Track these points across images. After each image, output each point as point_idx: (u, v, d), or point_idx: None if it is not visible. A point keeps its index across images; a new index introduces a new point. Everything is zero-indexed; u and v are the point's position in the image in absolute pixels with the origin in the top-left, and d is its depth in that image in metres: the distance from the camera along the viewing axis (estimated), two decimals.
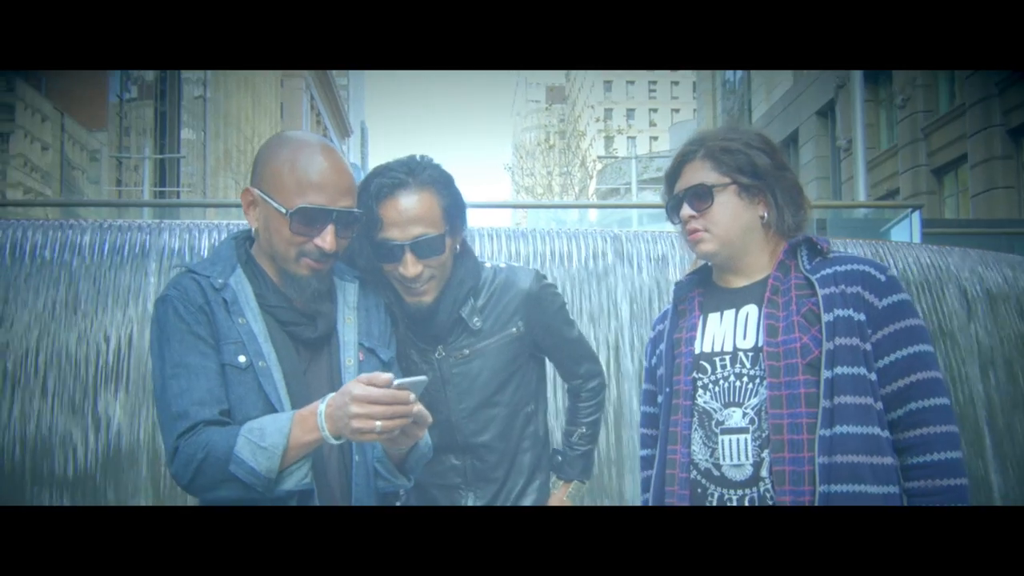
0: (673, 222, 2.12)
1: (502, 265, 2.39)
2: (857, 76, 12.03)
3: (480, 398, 2.27)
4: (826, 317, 1.90)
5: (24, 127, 27.33)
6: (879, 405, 1.89)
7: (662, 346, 2.13)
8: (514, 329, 2.29)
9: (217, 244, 1.99)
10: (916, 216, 6.59)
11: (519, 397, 2.33)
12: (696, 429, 2.01)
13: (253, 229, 1.94)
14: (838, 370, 1.87)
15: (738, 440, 1.94)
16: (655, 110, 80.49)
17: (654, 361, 2.19)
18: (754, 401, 1.94)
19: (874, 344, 1.92)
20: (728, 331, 2.03)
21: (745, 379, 1.97)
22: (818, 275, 1.96)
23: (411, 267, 2.10)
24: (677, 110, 76.18)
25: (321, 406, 1.69)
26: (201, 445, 1.72)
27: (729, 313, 2.04)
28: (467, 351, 2.26)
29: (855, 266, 1.97)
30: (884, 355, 1.92)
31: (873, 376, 1.90)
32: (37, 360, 3.67)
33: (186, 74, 38.71)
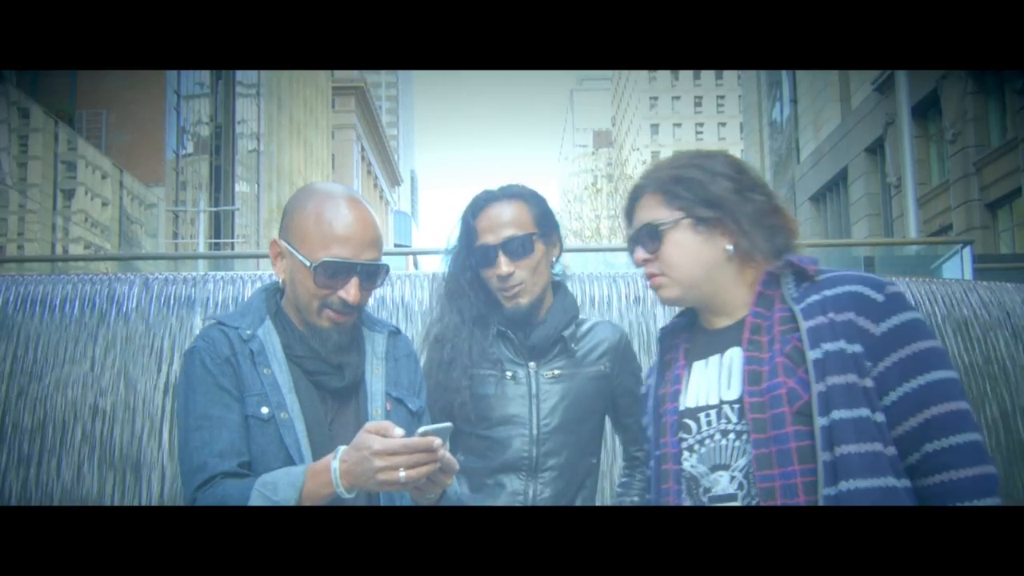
0: (636, 265, 1.87)
1: (592, 317, 2.59)
2: (905, 112, 11.93)
3: (562, 420, 2.33)
4: (813, 354, 1.59)
5: (85, 184, 28.08)
6: (891, 450, 1.58)
7: (649, 403, 1.88)
8: (602, 367, 2.38)
9: (248, 296, 2.02)
10: (967, 251, 6.46)
11: (589, 439, 2.39)
12: (685, 498, 1.73)
13: (280, 280, 1.95)
14: (836, 415, 1.56)
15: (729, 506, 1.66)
16: None
17: (645, 420, 1.92)
18: (742, 461, 1.65)
19: (876, 379, 1.60)
20: (713, 380, 1.74)
21: (732, 436, 1.68)
22: (804, 303, 1.66)
23: (504, 266, 2.27)
24: (725, 151, 75.86)
25: (334, 462, 1.65)
26: (217, 497, 1.72)
27: (714, 359, 1.76)
28: (558, 371, 2.35)
29: (846, 287, 1.65)
30: (890, 390, 1.60)
31: (879, 417, 1.58)
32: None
33: (240, 129, 39.55)
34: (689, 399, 1.76)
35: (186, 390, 1.86)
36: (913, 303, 1.72)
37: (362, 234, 1.88)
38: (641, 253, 1.80)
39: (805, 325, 1.62)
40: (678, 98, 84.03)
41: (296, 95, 49.76)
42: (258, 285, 3.89)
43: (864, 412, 1.57)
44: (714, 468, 1.69)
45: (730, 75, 74.53)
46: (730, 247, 1.75)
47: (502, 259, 2.28)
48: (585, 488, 2.38)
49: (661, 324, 3.97)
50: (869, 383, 1.59)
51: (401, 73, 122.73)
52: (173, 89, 32.72)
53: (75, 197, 27.77)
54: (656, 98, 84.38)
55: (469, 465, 2.33)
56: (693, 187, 1.76)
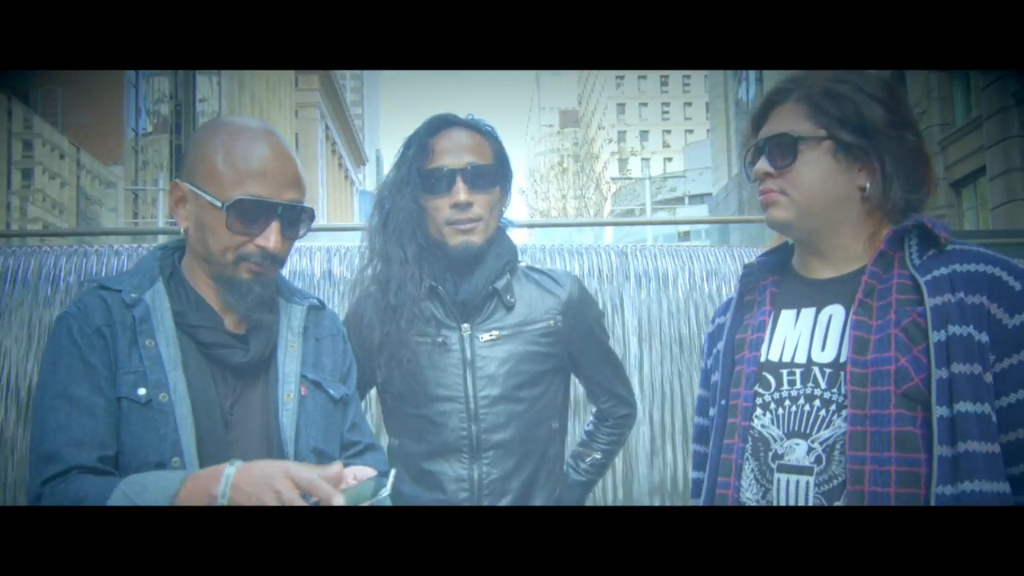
0: (749, 178, 1.64)
1: (537, 265, 2.28)
2: None
3: (504, 389, 2.04)
4: (936, 336, 1.41)
5: (43, 163, 27.59)
6: (1000, 455, 1.39)
7: (720, 345, 1.67)
8: (552, 322, 2.10)
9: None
10: None
11: (545, 404, 2.10)
12: (748, 459, 1.56)
13: (183, 231, 1.64)
14: (960, 407, 1.38)
15: (798, 482, 1.49)
16: (668, 131, 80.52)
17: (709, 363, 1.73)
18: (825, 433, 1.48)
19: (997, 375, 1.41)
20: (804, 336, 1.55)
21: (817, 403, 1.50)
22: (929, 275, 1.46)
23: (462, 194, 2.00)
24: (691, 131, 76.27)
25: (230, 470, 1.36)
26: (69, 496, 1.41)
27: (807, 313, 1.57)
28: (496, 332, 2.06)
29: (981, 266, 1.45)
30: (1010, 391, 1.42)
31: (994, 417, 1.40)
32: None
33: (201, 107, 39.00)
34: (772, 352, 1.58)
35: (47, 363, 1.55)
36: None
37: (282, 170, 1.60)
38: (765, 165, 1.57)
39: (930, 301, 1.43)
40: (644, 77, 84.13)
41: (258, 74, 49.18)
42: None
43: (987, 408, 1.39)
44: (791, 434, 1.51)
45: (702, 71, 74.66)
46: (867, 185, 1.54)
47: (461, 185, 2.00)
48: (548, 461, 2.10)
49: (629, 302, 3.97)
50: (989, 378, 1.41)
51: None
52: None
53: (33, 176, 27.30)
54: (622, 77, 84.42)
55: (407, 450, 2.08)
56: (845, 107, 1.54)
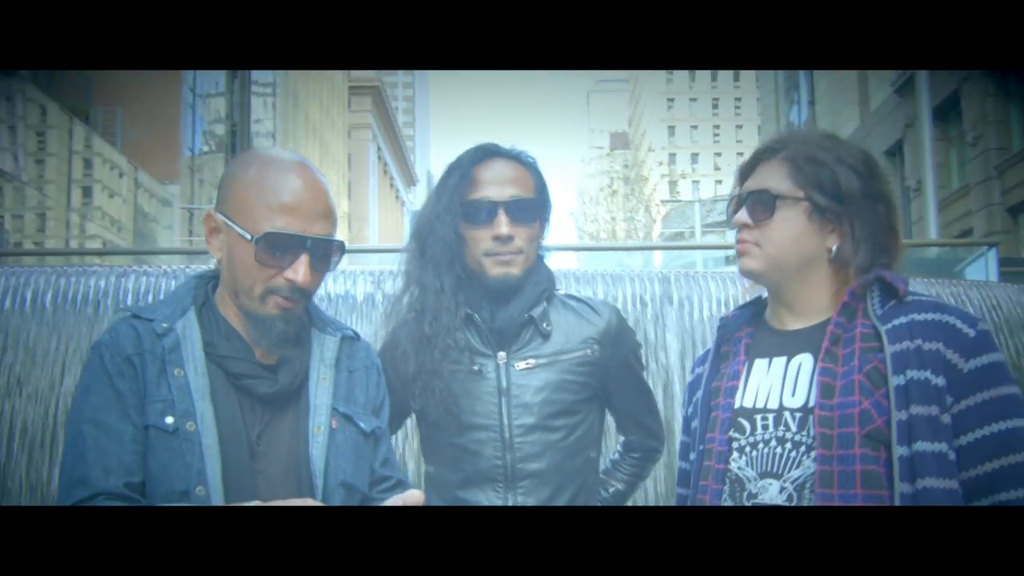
0: (729, 226, 1.76)
1: (576, 293, 2.26)
2: (925, 114, 11.78)
3: (539, 418, 2.01)
4: (895, 380, 1.51)
5: (102, 181, 28.21)
6: (959, 491, 1.48)
7: (699, 394, 1.77)
8: (588, 351, 2.07)
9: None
10: (992, 254, 6.33)
11: (582, 433, 2.07)
12: (726, 499, 1.64)
13: (215, 261, 1.66)
14: (918, 447, 1.47)
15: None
16: (719, 154, 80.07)
17: (689, 411, 1.84)
18: (796, 473, 1.57)
19: (955, 416, 1.51)
20: (776, 384, 1.65)
21: (788, 445, 1.59)
22: (889, 324, 1.57)
23: (504, 226, 1.98)
24: (741, 153, 75.42)
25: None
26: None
27: (778, 362, 1.66)
28: (532, 361, 2.03)
29: (937, 315, 1.56)
30: (968, 431, 1.51)
31: (952, 456, 1.49)
32: None
33: (256, 128, 39.63)
34: (747, 398, 1.67)
35: (80, 389, 1.57)
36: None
37: (312, 203, 1.59)
38: (744, 217, 1.67)
39: (890, 348, 1.54)
40: (695, 100, 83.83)
41: (312, 95, 49.87)
42: None
43: (944, 447, 1.49)
44: (764, 475, 1.61)
45: (747, 77, 74.38)
46: (834, 248, 1.66)
47: (503, 218, 1.98)
48: (585, 490, 2.07)
49: (667, 330, 3.94)
50: (947, 419, 1.51)
51: (417, 73, 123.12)
52: (189, 87, 32.84)
53: (93, 194, 27.91)
54: (673, 100, 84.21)
55: (442, 477, 2.06)
56: (824, 173, 1.65)
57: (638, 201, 38.93)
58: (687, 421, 1.86)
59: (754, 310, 1.80)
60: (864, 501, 1.48)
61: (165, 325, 1.59)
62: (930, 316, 1.57)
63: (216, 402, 1.55)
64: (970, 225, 17.38)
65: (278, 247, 1.56)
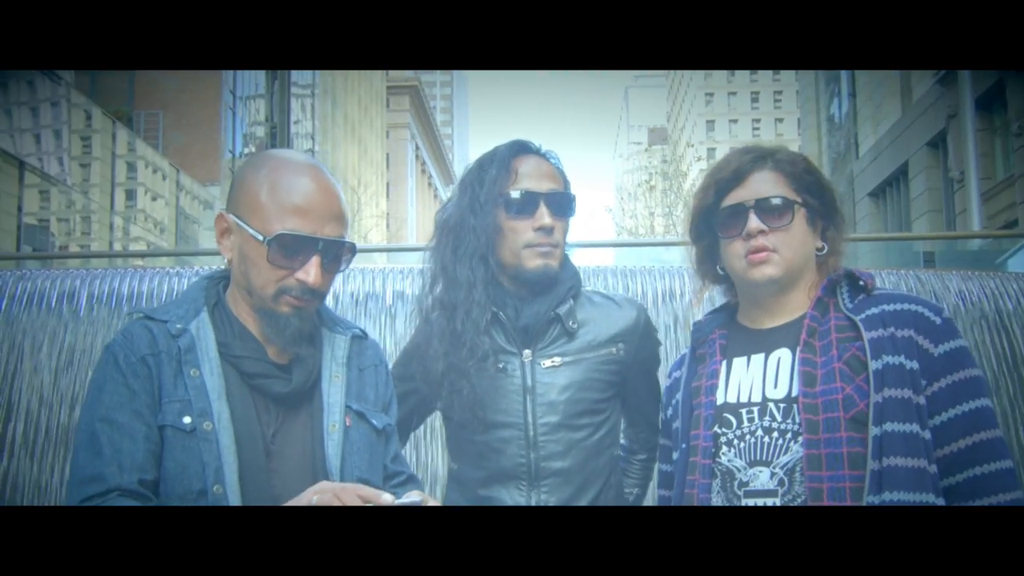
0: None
1: (602, 290, 2.27)
2: (968, 105, 11.61)
3: (564, 416, 2.01)
4: (874, 365, 1.62)
5: (145, 184, 28.60)
6: (933, 469, 1.60)
7: (678, 395, 1.87)
8: (614, 350, 2.08)
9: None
10: None
11: (606, 432, 2.08)
12: (717, 492, 1.72)
13: (227, 262, 1.68)
14: (888, 427, 1.59)
15: (764, 505, 1.65)
16: None
17: (669, 413, 1.92)
18: (784, 459, 1.67)
19: (929, 398, 1.64)
20: (756, 378, 1.74)
21: (775, 434, 1.68)
22: (863, 315, 1.70)
23: (548, 218, 2.01)
24: (781, 145, 74.89)
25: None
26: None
27: (757, 358, 1.76)
28: (558, 359, 2.04)
29: (906, 305, 1.70)
30: (941, 411, 1.64)
31: (927, 435, 1.61)
32: None
33: (295, 129, 39.97)
34: (729, 394, 1.77)
35: (93, 389, 1.58)
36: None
37: (325, 205, 1.62)
38: (758, 224, 1.74)
39: (867, 335, 1.65)
40: (734, 94, 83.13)
41: (351, 94, 50.18)
42: None
43: (915, 428, 1.60)
44: (753, 463, 1.70)
45: (787, 71, 73.58)
46: (823, 247, 1.80)
47: (545, 209, 2.01)
48: (610, 488, 2.07)
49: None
50: (921, 400, 1.63)
51: (455, 72, 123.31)
52: (229, 90, 33.17)
53: (136, 197, 28.30)
54: (712, 94, 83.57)
55: (465, 475, 2.07)
56: (810, 180, 1.79)
57: (676, 196, 38.65)
58: (666, 424, 1.95)
59: (726, 313, 1.91)
60: (851, 481, 1.58)
61: (179, 326, 1.61)
62: (899, 306, 1.70)
63: (232, 402, 1.58)
64: (1015, 216, 17.06)
65: (290, 248, 1.59)
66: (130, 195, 28.12)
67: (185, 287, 3.76)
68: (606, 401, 2.09)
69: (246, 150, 36.29)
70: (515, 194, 2.03)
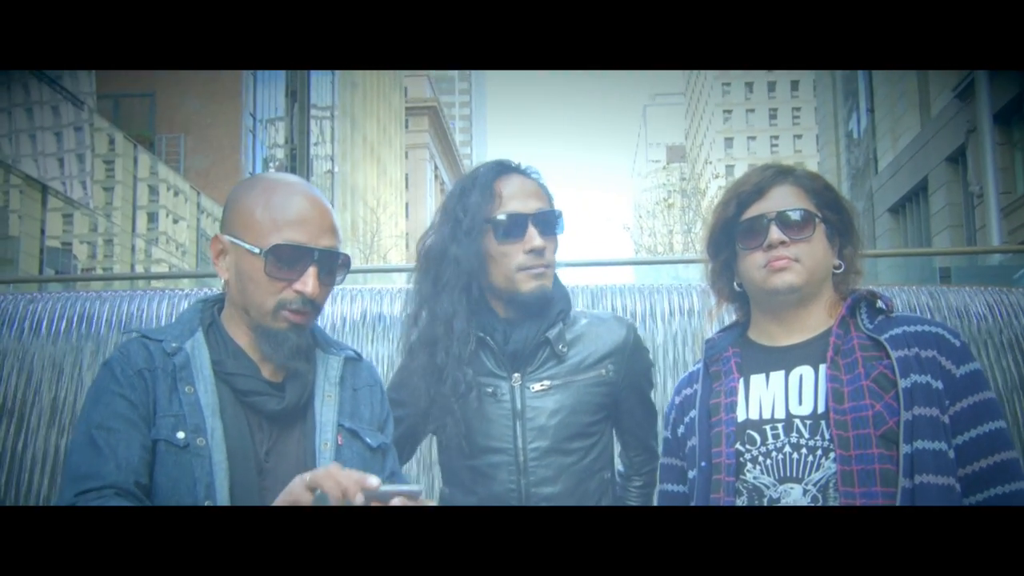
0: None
1: (591, 310, 2.23)
2: (986, 118, 11.56)
3: (554, 441, 1.99)
4: (903, 383, 1.65)
5: (167, 207, 28.85)
6: (958, 486, 1.62)
7: (693, 413, 1.84)
8: (603, 371, 2.06)
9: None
10: None
11: (596, 455, 2.05)
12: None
13: (223, 283, 1.69)
14: (918, 444, 1.61)
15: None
16: None
17: (681, 431, 1.89)
18: (817, 476, 1.66)
19: (952, 417, 1.66)
20: (778, 395, 1.74)
21: (804, 450, 1.68)
22: (887, 335, 1.72)
23: (538, 239, 1.98)
24: (801, 164, 74.60)
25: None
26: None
27: (777, 375, 1.76)
28: (548, 382, 2.01)
29: (927, 327, 1.74)
30: (963, 431, 1.66)
31: (952, 453, 1.63)
32: None
33: (315, 150, 40.25)
34: (751, 411, 1.76)
35: (89, 401, 1.60)
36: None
37: (319, 218, 1.64)
38: (780, 235, 1.76)
39: (895, 354, 1.68)
40: (753, 111, 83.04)
41: (370, 115, 50.47)
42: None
43: (943, 446, 1.62)
44: (783, 480, 1.69)
45: (806, 86, 73.43)
46: (840, 264, 1.83)
47: (533, 231, 1.98)
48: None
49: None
50: (946, 420, 1.65)
51: (474, 92, 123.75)
52: (249, 112, 33.47)
53: (158, 219, 28.54)
54: (730, 111, 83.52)
55: (456, 500, 2.04)
56: (829, 196, 1.83)
57: (695, 214, 38.59)
58: (676, 442, 1.91)
59: (738, 331, 1.91)
60: (883, 499, 1.59)
61: (175, 344, 1.63)
62: (920, 328, 1.74)
63: (225, 419, 1.59)
64: None
65: (286, 260, 1.61)
66: (152, 217, 28.35)
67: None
68: (597, 424, 2.06)
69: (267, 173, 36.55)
70: (502, 217, 1.99)
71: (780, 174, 1.84)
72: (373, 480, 1.32)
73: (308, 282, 1.62)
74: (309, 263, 1.62)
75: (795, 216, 1.78)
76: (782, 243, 1.76)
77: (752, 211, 1.81)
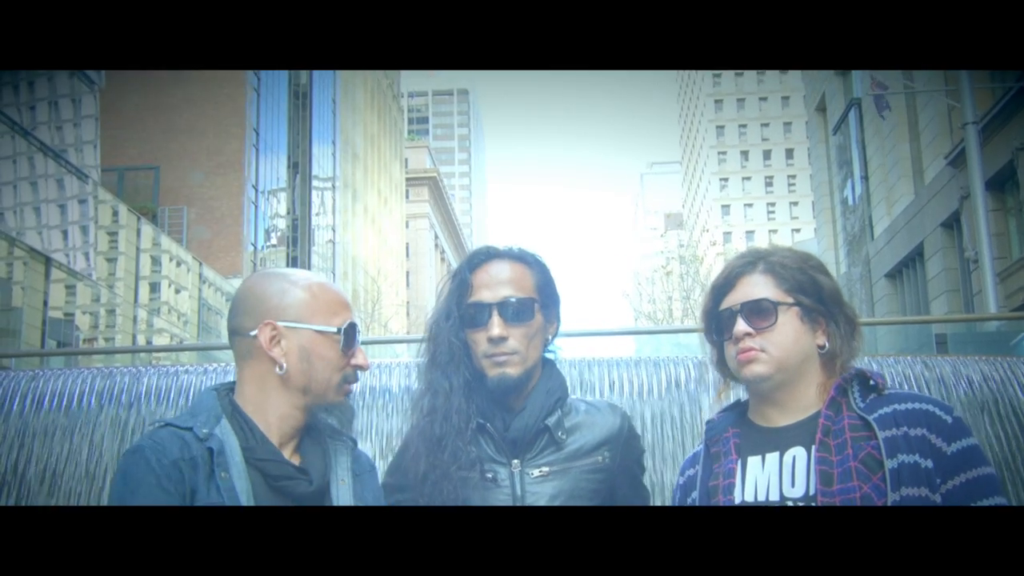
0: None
1: (587, 398, 2.30)
2: (978, 185, 11.73)
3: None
4: (890, 464, 1.65)
5: (169, 277, 29.01)
6: None
7: (694, 494, 1.87)
8: (600, 459, 2.09)
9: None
10: None
11: None
12: None
13: (279, 365, 1.75)
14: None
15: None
16: (775, 231, 79.60)
17: None
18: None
19: (944, 496, 1.65)
20: (773, 477, 1.76)
21: None
22: (875, 415, 1.72)
23: (496, 328, 2.02)
24: (797, 230, 75.22)
25: None
26: None
27: (772, 457, 1.78)
28: (547, 468, 2.04)
29: (917, 405, 1.73)
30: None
31: None
32: None
33: (316, 221, 40.55)
34: (747, 493, 1.78)
35: (122, 491, 1.61)
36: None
37: (346, 299, 1.86)
38: (743, 326, 1.80)
39: (882, 435, 1.68)
40: (749, 179, 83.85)
41: (371, 186, 50.96)
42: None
43: None
44: None
45: (800, 154, 74.23)
46: (825, 344, 1.82)
47: (496, 319, 2.03)
48: None
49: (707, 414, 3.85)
50: (938, 499, 1.64)
51: (473, 162, 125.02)
52: (251, 184, 33.84)
53: (160, 289, 28.66)
54: (726, 180, 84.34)
55: None
56: (802, 278, 1.83)
57: (694, 280, 38.73)
58: None
59: (737, 412, 1.93)
60: None
61: (206, 431, 1.68)
62: (911, 406, 1.73)
63: (259, 504, 1.65)
64: None
65: (353, 337, 1.80)
66: (154, 287, 28.46)
67: (194, 382, 3.81)
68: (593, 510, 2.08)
69: (268, 243, 36.77)
70: (468, 307, 2.07)
71: (749, 264, 1.88)
72: None
73: (362, 356, 1.81)
74: (357, 339, 1.82)
75: (757, 306, 1.81)
76: (747, 334, 1.80)
77: (724, 303, 1.86)
